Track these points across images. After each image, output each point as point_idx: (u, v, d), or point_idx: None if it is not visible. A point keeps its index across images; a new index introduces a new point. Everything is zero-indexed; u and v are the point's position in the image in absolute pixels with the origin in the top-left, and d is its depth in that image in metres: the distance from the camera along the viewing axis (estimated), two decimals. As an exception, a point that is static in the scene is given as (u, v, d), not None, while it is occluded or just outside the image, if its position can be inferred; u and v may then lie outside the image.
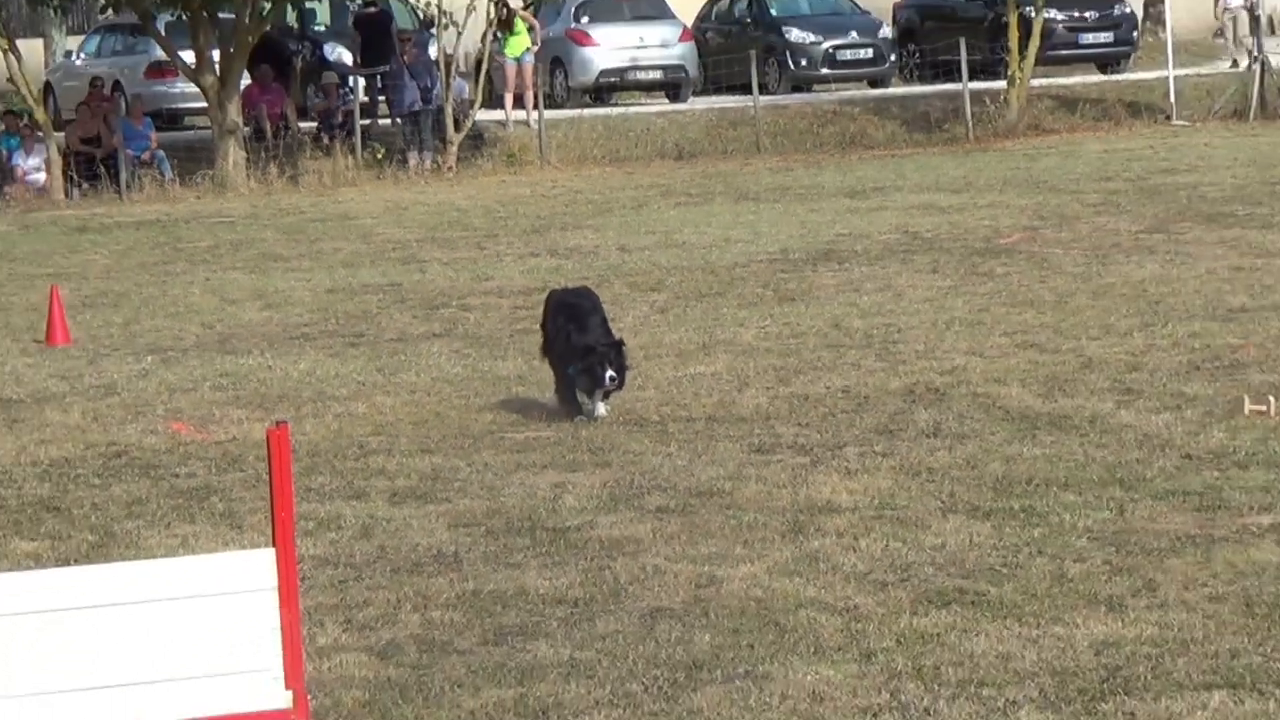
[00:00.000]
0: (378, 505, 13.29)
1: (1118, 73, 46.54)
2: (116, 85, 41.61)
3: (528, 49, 41.32)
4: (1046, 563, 11.23)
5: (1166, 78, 42.24)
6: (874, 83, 46.59)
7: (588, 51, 45.04)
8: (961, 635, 10.06)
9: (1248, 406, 14.69)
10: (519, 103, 41.27)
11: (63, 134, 38.67)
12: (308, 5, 42.35)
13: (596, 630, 10.44)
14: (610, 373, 15.46)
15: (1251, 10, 45.29)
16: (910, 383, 16.49)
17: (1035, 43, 41.53)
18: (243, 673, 9.10)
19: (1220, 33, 49.47)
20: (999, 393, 15.89)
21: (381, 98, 41.40)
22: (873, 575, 11.18)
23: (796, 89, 45.56)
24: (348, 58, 42.77)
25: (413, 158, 38.42)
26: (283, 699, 9.12)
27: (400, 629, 10.65)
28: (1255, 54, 42.07)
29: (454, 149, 38.37)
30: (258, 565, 9.21)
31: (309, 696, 9.23)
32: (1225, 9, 47.19)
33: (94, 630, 8.97)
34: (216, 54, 37.77)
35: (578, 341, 15.60)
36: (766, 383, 16.79)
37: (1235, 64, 45.79)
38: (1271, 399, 14.77)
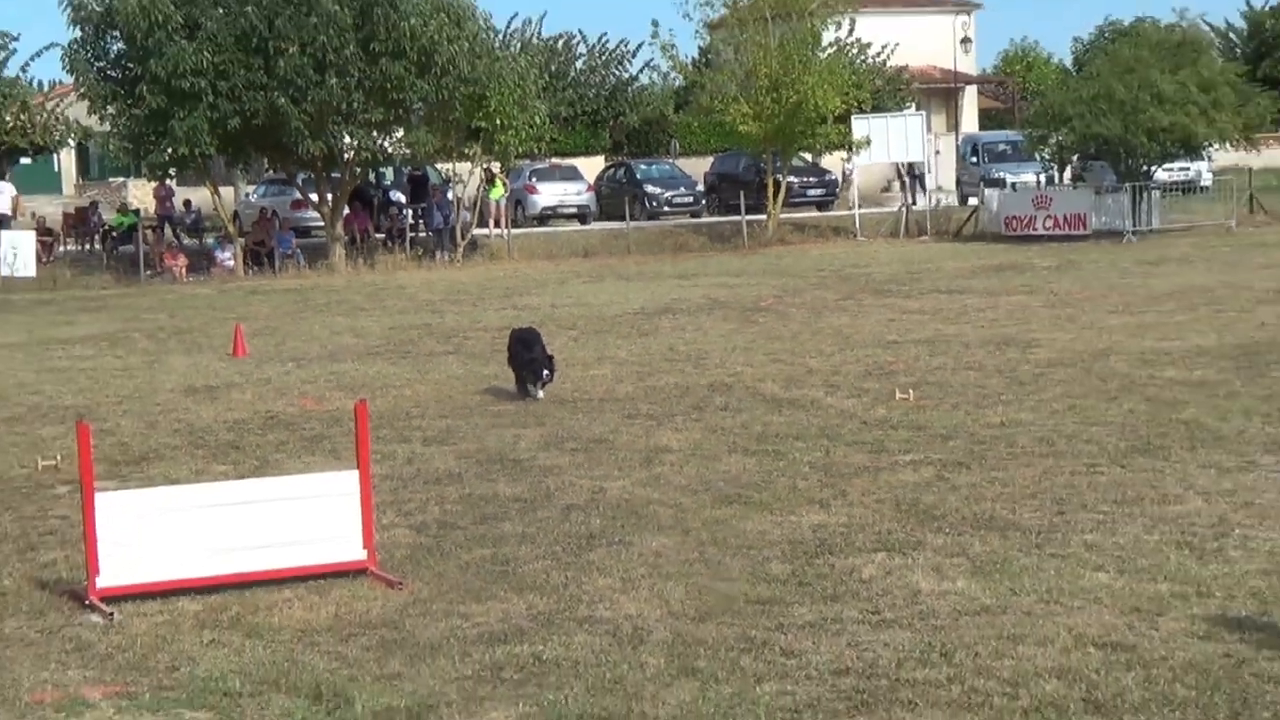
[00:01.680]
0: (416, 446, 13.20)
1: (827, 210, 46.62)
2: (274, 212, 41.13)
3: (503, 194, 41.20)
4: (787, 480, 11.25)
5: (854, 213, 42.47)
6: (694, 215, 46.50)
7: (535, 197, 44.97)
8: (740, 521, 10.07)
9: (897, 395, 14.76)
10: (498, 224, 41.11)
11: (244, 239, 38.26)
12: (380, 170, 42.27)
13: (537, 517, 10.39)
14: (546, 372, 15.46)
15: (911, 172, 45.52)
16: (711, 381, 16.48)
17: (782, 194, 41.70)
18: (338, 539, 9.06)
19: (888, 187, 49.85)
20: (760, 387, 15.90)
21: (421, 221, 41.17)
22: (689, 486, 11.17)
23: (651, 218, 45.36)
24: (402, 198, 42.49)
25: (438, 255, 38.10)
26: (361, 554, 9.09)
27: (428, 515, 10.58)
28: (907, 198, 42.36)
29: (461, 250, 38.10)
30: (349, 479, 9.18)
31: (376, 553, 9.17)
32: (897, 174, 47.41)
33: (259, 515, 8.92)
34: (330, 196, 37.53)
35: (527, 356, 15.58)
36: (632, 380, 16.74)
37: (914, 203, 45.91)
38: (911, 391, 14.85)
